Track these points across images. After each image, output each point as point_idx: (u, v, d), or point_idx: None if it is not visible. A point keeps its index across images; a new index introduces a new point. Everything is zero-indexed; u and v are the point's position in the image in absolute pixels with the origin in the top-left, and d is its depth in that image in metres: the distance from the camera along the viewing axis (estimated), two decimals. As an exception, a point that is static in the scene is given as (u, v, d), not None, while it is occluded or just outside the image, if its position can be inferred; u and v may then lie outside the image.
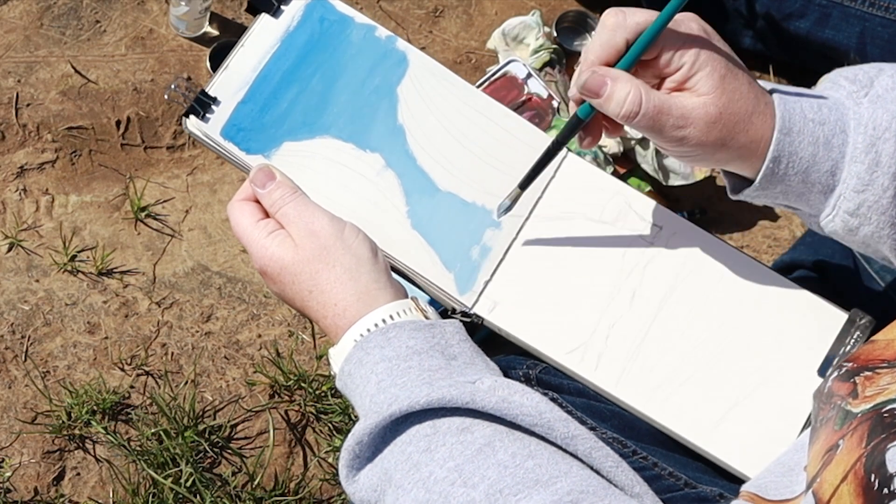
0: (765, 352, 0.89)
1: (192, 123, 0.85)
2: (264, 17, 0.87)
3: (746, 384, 0.88)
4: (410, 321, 0.78)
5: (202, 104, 0.86)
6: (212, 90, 0.86)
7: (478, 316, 0.86)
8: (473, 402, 0.73)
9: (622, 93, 0.76)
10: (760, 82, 0.81)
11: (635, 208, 0.89)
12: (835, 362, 0.86)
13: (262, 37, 0.87)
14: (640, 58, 0.78)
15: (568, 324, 0.87)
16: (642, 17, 0.77)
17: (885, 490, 0.58)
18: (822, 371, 0.89)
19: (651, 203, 0.89)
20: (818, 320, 0.90)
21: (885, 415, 0.64)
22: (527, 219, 0.88)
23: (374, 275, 0.80)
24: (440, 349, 0.78)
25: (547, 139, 0.87)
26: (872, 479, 0.60)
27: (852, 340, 0.89)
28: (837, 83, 0.82)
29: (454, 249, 0.87)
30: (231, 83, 0.86)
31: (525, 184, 0.85)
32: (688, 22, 0.78)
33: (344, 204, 0.85)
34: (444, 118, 0.88)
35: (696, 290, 0.89)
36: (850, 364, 0.73)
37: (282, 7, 0.88)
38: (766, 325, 0.89)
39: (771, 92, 0.81)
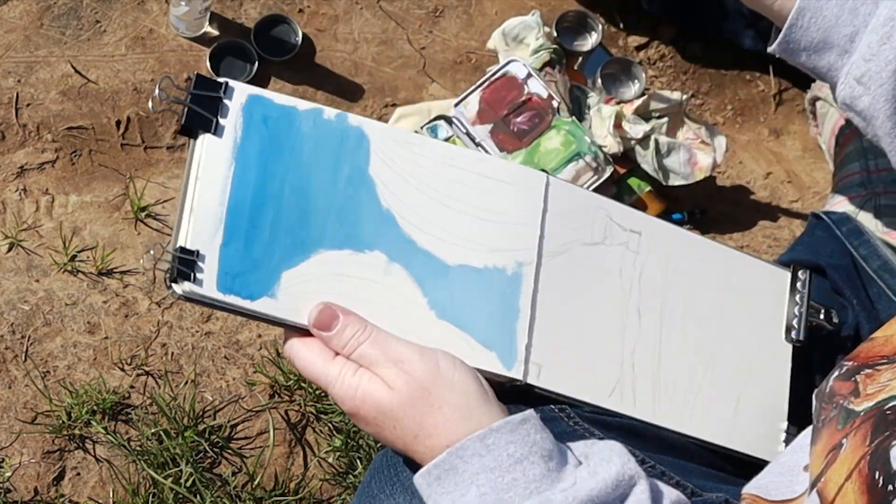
0: (744, 332, 0.92)
1: (185, 288, 0.76)
2: (206, 139, 0.78)
3: (742, 371, 0.91)
4: (505, 422, 0.73)
5: (186, 263, 0.76)
6: (188, 242, 0.77)
7: (528, 384, 0.83)
8: None
9: None
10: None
11: (616, 220, 0.88)
12: (795, 322, 0.92)
13: (213, 161, 0.78)
14: None
15: (601, 364, 0.86)
16: None
17: (890, 486, 0.59)
18: (788, 335, 0.94)
19: (626, 210, 0.89)
20: (772, 285, 0.94)
21: (888, 412, 0.64)
22: (538, 264, 0.85)
23: (486, 408, 0.75)
24: (537, 450, 0.73)
25: (523, 171, 0.86)
26: (877, 476, 0.60)
27: (800, 296, 0.93)
28: None
29: (486, 325, 0.82)
30: (204, 227, 0.77)
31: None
32: None
33: (365, 318, 0.78)
34: (425, 185, 0.83)
35: (682, 288, 0.90)
36: (851, 363, 0.73)
37: (220, 121, 0.78)
38: (736, 304, 0.92)
39: None
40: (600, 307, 0.87)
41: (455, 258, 0.82)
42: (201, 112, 0.77)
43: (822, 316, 0.95)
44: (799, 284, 0.93)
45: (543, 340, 0.84)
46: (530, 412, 0.75)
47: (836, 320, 0.95)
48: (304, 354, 0.76)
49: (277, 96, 0.80)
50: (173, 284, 0.76)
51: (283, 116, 0.80)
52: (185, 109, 0.77)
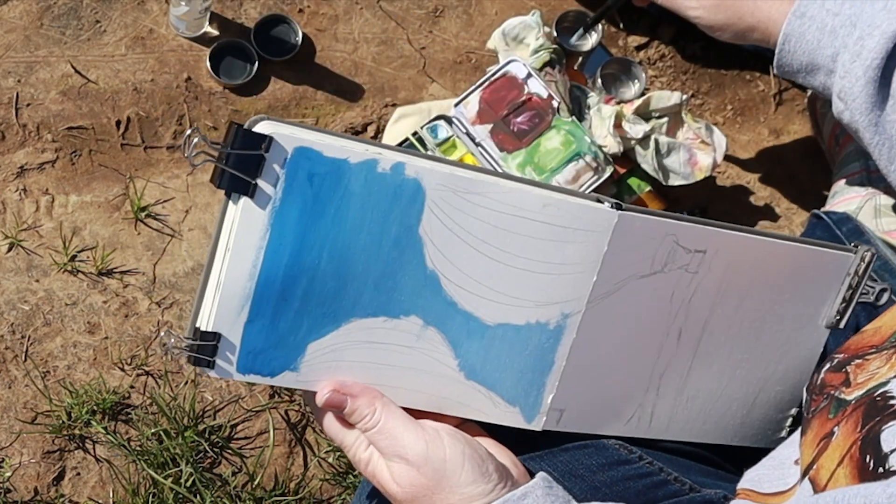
0: (787, 327, 0.87)
1: (202, 371, 0.72)
2: (242, 204, 0.68)
3: (771, 366, 0.88)
4: (503, 501, 0.73)
5: (206, 349, 0.69)
6: (211, 324, 0.69)
7: (545, 431, 0.81)
8: None
9: None
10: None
11: (682, 243, 0.80)
12: (842, 308, 0.88)
13: (247, 229, 0.68)
14: None
15: (625, 396, 0.83)
16: None
17: (881, 469, 0.59)
18: (830, 321, 0.88)
19: (695, 229, 0.80)
20: (830, 273, 0.86)
21: (878, 398, 0.65)
22: (585, 311, 0.78)
23: (491, 496, 0.73)
24: None
25: (593, 212, 0.75)
26: (868, 459, 0.61)
27: (854, 281, 0.87)
28: None
29: (515, 381, 0.78)
30: (229, 307, 0.69)
31: (593, 23, 1.05)
32: None
33: (389, 385, 0.75)
34: (478, 240, 0.74)
35: (732, 300, 0.84)
36: (841, 355, 0.74)
37: (258, 184, 0.67)
38: (786, 300, 0.86)
39: None
40: (640, 339, 0.81)
41: (496, 317, 0.76)
42: (240, 176, 0.67)
43: (873, 297, 0.91)
44: (856, 269, 0.87)
45: (571, 386, 0.80)
46: (536, 483, 0.75)
47: (883, 300, 0.92)
48: (325, 421, 0.76)
49: (328, 145, 0.68)
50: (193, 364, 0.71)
51: (332, 172, 0.69)
52: (221, 172, 0.66)
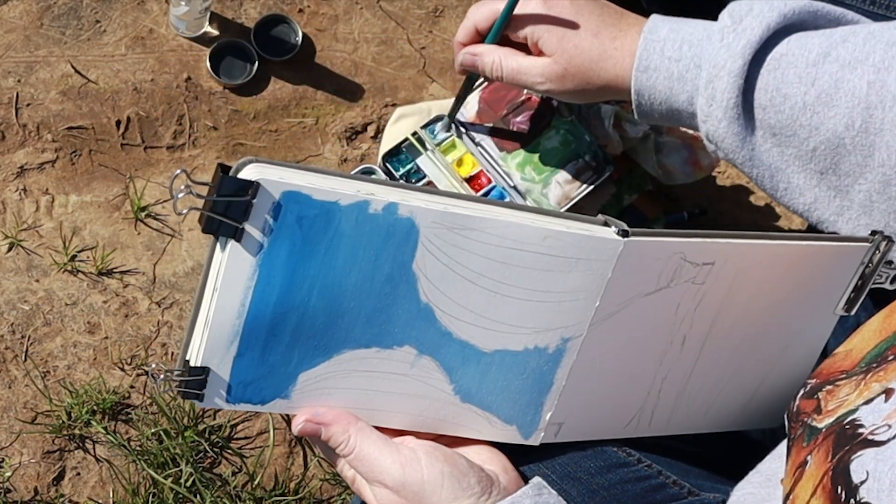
0: (794, 321, 0.87)
1: (192, 401, 0.73)
2: (229, 248, 0.67)
3: (775, 357, 0.87)
4: None
5: (195, 382, 0.70)
6: (199, 360, 0.69)
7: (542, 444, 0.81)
8: None
9: (488, 63, 0.98)
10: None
11: (690, 259, 0.78)
12: (853, 296, 0.87)
13: (235, 271, 0.68)
14: (498, 37, 0.98)
15: (625, 403, 0.83)
16: (487, 9, 0.98)
17: (852, 501, 0.59)
18: (841, 309, 0.87)
19: (703, 244, 0.78)
20: (842, 265, 0.85)
21: (847, 427, 0.64)
22: (585, 336, 0.77)
23: None
24: None
25: (597, 242, 0.74)
26: (839, 491, 0.61)
27: (867, 270, 0.85)
28: (722, 17, 0.88)
29: (513, 402, 0.78)
30: (217, 343, 0.69)
31: (452, 115, 1.08)
32: (529, 2, 0.95)
33: (382, 409, 0.75)
34: (475, 274, 0.73)
35: (739, 304, 0.83)
36: (814, 380, 0.74)
37: (245, 227, 0.67)
38: (795, 297, 0.85)
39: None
40: (642, 351, 0.80)
41: (493, 345, 0.75)
42: (224, 220, 0.66)
43: (887, 281, 0.87)
44: (871, 257, 0.85)
45: (570, 402, 0.79)
46: (524, 492, 0.75)
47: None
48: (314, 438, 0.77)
49: (318, 189, 0.67)
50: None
51: (322, 215, 0.67)
52: (208, 217, 0.66)
